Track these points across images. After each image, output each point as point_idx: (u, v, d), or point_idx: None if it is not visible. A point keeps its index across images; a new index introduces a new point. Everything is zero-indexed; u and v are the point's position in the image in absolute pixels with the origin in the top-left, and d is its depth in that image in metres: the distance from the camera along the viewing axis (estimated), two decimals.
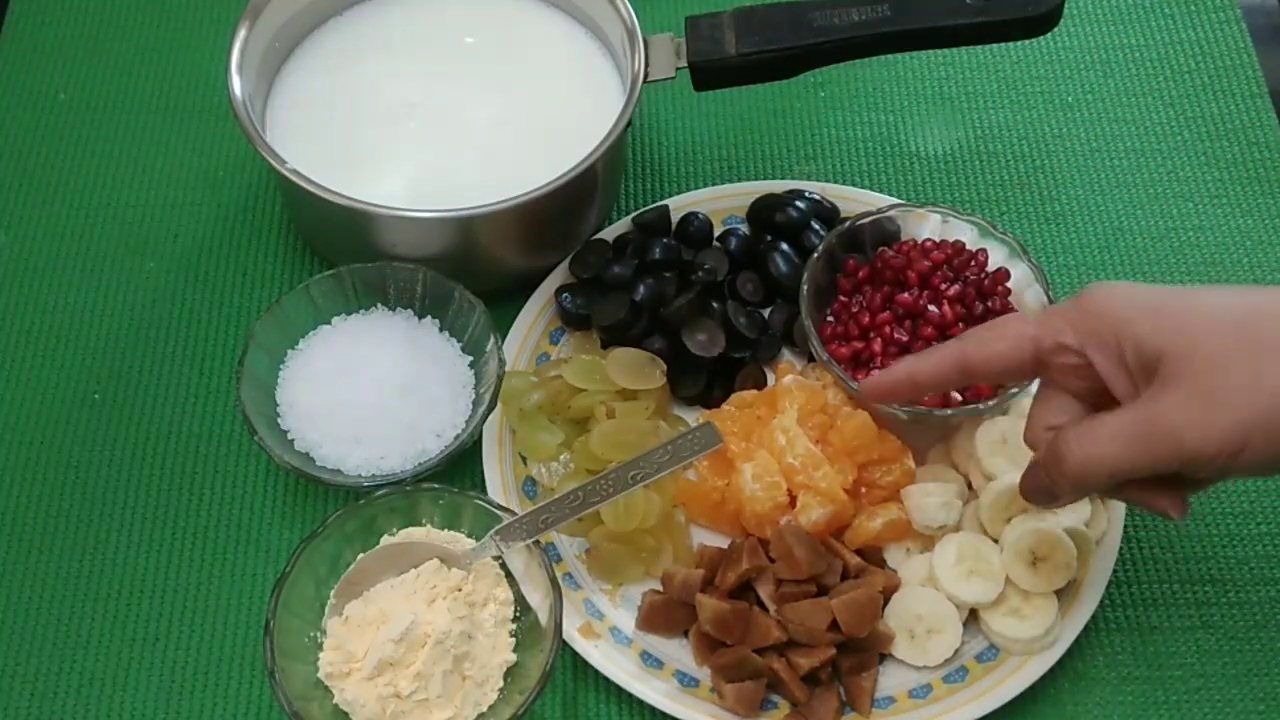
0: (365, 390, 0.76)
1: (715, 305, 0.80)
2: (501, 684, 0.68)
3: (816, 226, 0.84)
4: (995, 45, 0.95)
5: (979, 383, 0.72)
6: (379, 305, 0.80)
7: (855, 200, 0.85)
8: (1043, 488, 0.62)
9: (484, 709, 0.67)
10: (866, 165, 0.92)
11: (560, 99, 0.85)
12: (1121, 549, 0.75)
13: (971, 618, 0.73)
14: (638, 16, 0.82)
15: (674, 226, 0.85)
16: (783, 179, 0.90)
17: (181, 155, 0.91)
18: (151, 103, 0.93)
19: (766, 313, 0.83)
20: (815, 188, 0.86)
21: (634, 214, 0.85)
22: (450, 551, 0.70)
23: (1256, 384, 0.53)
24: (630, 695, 0.71)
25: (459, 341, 0.79)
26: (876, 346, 0.77)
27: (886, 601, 0.72)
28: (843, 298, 0.80)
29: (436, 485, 0.72)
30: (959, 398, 0.76)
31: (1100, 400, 0.60)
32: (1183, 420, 0.54)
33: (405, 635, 0.66)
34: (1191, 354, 0.54)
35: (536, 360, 0.81)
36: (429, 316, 0.80)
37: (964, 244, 0.80)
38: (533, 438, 0.76)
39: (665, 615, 0.72)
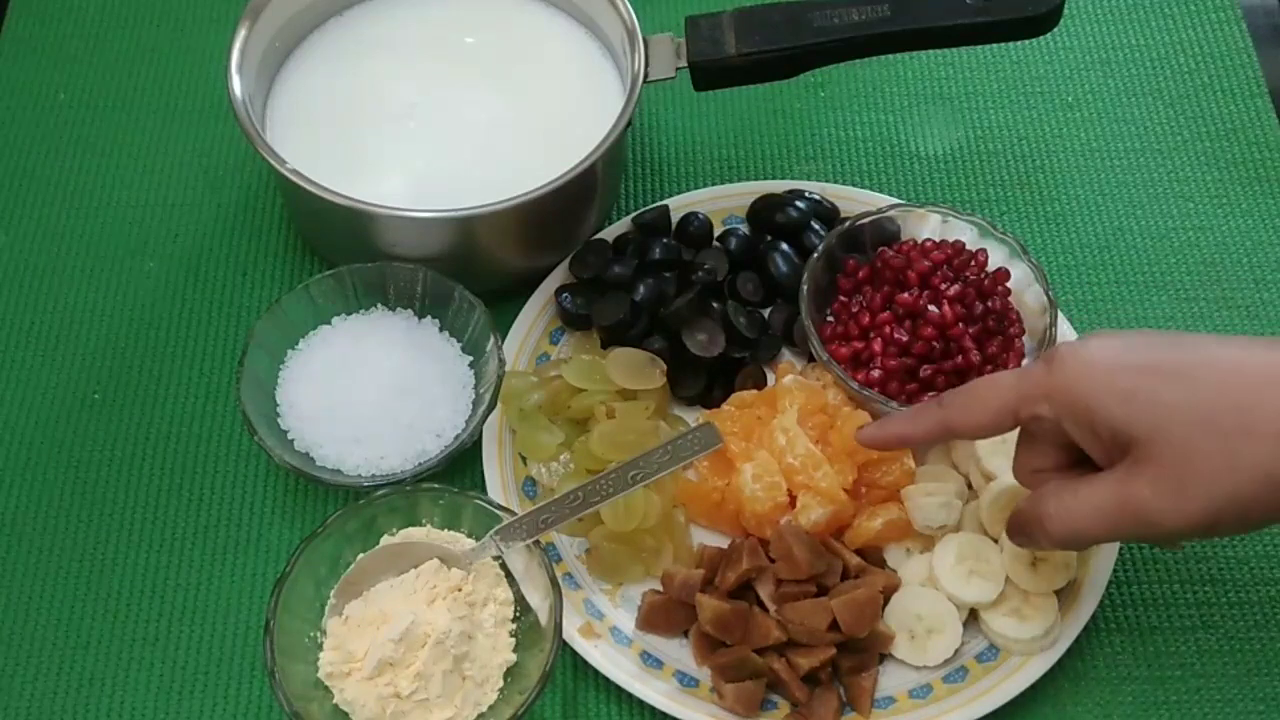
0: (365, 390, 0.76)
1: (715, 305, 0.80)
2: (501, 684, 0.68)
3: (816, 226, 0.84)
4: (995, 45, 0.95)
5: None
6: (379, 305, 0.80)
7: (855, 200, 0.85)
8: (1028, 536, 0.64)
9: (484, 709, 0.67)
10: (866, 165, 0.92)
11: (560, 99, 0.85)
12: (1121, 549, 0.75)
13: (971, 618, 0.73)
14: (638, 16, 0.82)
15: (674, 226, 0.85)
16: (783, 179, 0.90)
17: (181, 155, 0.91)
18: (151, 103, 0.94)
19: (766, 313, 0.83)
20: (815, 188, 0.86)
21: (634, 214, 0.85)
22: (450, 551, 0.70)
23: (1226, 469, 0.55)
24: (630, 695, 0.71)
25: (459, 341, 0.79)
26: (876, 346, 0.77)
27: (886, 601, 0.72)
28: (843, 298, 0.80)
29: (436, 485, 0.72)
30: None
31: (1078, 449, 0.62)
32: (1157, 505, 0.57)
33: (405, 635, 0.66)
34: (1164, 443, 0.56)
35: (536, 360, 0.81)
36: (429, 316, 0.80)
37: (964, 244, 0.80)
38: (533, 438, 0.76)
39: (665, 615, 0.72)
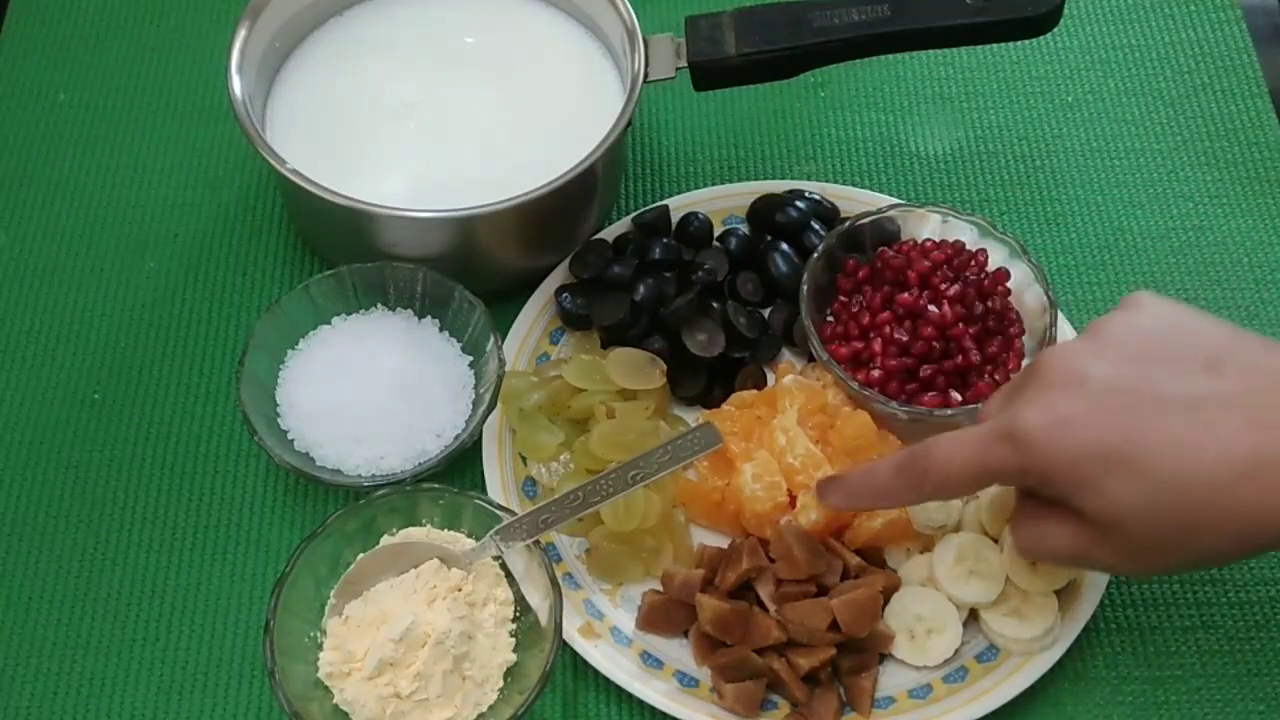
0: (365, 390, 0.76)
1: (715, 305, 0.80)
2: (501, 684, 0.68)
3: (816, 226, 0.84)
4: (995, 45, 0.95)
5: None
6: (379, 305, 0.80)
7: (855, 200, 0.85)
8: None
9: (484, 709, 0.67)
10: (866, 165, 0.92)
11: (560, 99, 0.85)
12: None
13: (971, 618, 0.73)
14: (638, 16, 0.82)
15: (674, 226, 0.85)
16: (783, 179, 0.90)
17: (181, 155, 0.91)
18: (151, 102, 0.93)
19: (766, 313, 0.83)
20: (815, 188, 0.86)
21: (634, 214, 0.85)
22: (450, 551, 0.70)
23: (1182, 553, 0.60)
24: (630, 695, 0.71)
25: (459, 341, 0.79)
26: (876, 346, 0.77)
27: (886, 601, 0.72)
28: (843, 298, 0.80)
29: (436, 485, 0.72)
30: (959, 398, 0.76)
31: None
32: (1114, 565, 0.63)
33: (405, 635, 0.66)
34: (1123, 533, 0.60)
35: (536, 360, 0.81)
36: (429, 316, 0.80)
37: (964, 244, 0.80)
38: (533, 438, 0.76)
39: (665, 615, 0.72)
